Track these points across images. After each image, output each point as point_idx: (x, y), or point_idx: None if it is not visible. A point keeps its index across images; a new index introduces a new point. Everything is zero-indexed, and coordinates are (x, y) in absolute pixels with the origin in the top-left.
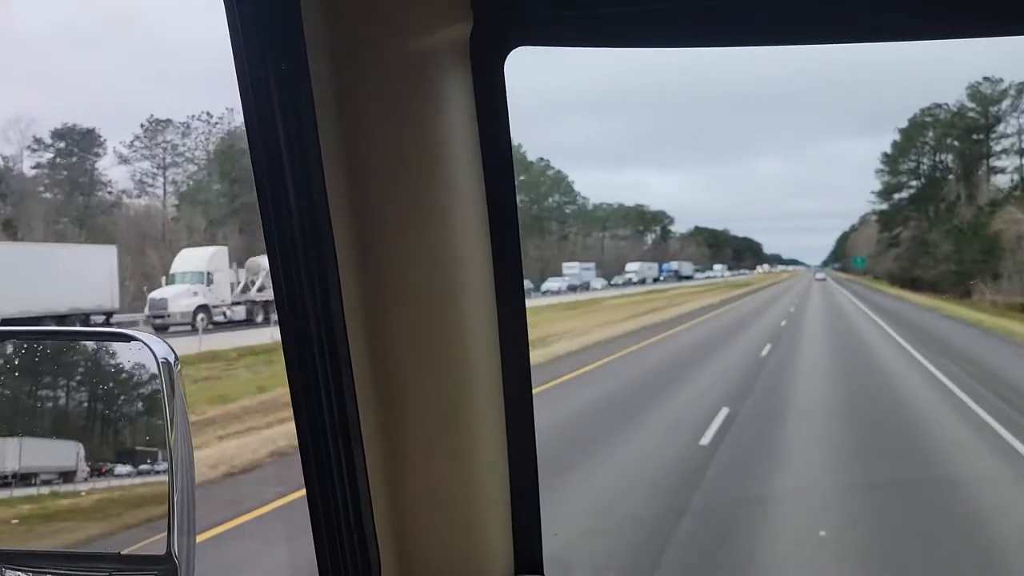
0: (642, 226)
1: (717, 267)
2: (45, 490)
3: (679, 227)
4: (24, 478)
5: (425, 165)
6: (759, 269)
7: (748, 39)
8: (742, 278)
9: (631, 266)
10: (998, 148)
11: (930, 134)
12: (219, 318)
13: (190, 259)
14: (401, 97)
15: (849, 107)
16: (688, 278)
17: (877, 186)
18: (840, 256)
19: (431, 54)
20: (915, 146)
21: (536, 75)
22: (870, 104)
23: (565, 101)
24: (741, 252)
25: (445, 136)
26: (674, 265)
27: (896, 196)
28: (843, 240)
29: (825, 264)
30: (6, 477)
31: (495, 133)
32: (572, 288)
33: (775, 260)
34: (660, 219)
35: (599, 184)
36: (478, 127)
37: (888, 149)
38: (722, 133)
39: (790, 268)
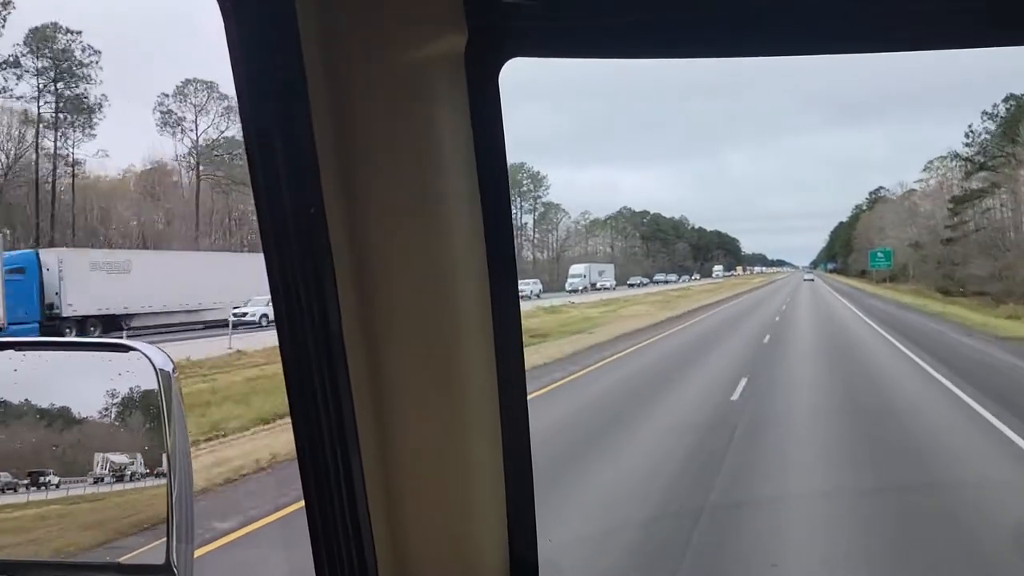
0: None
1: (579, 270)
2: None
3: (594, 208)
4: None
5: (421, 177)
6: (716, 272)
7: (744, 50)
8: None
9: None
10: None
11: None
12: None
13: None
14: (397, 110)
15: (820, 94)
16: None
17: (858, 185)
18: (838, 252)
19: (426, 67)
20: None
21: None
22: (841, 90)
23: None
24: (707, 250)
25: (441, 148)
26: None
27: None
28: (842, 231)
29: (815, 265)
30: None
31: (490, 144)
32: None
33: (757, 261)
34: (513, 174)
35: (563, 182)
36: (473, 139)
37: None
38: (694, 127)
39: (770, 269)
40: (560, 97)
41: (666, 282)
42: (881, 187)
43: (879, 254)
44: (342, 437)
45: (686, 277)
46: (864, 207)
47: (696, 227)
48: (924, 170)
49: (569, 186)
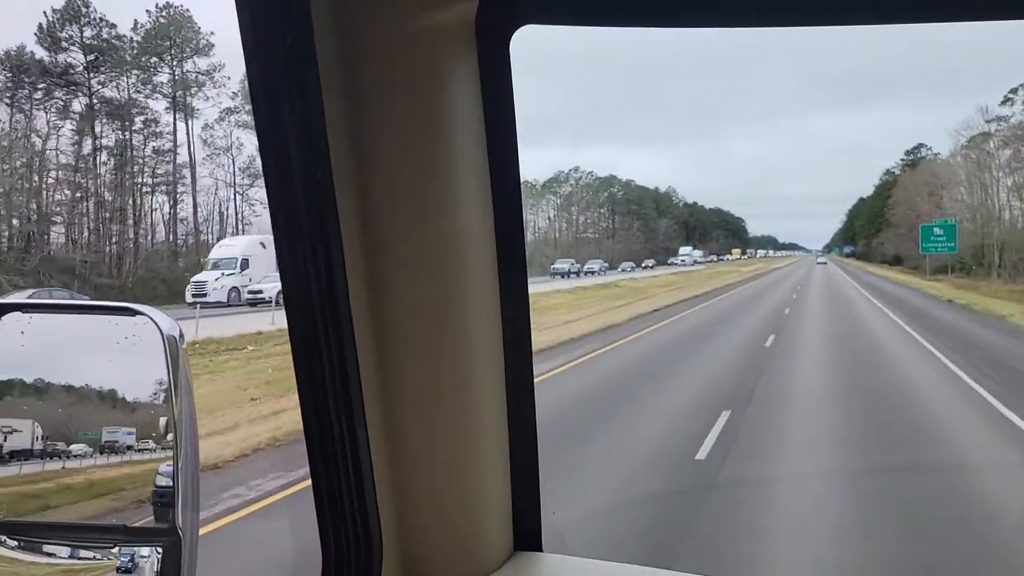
0: None
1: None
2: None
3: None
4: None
5: (430, 144)
6: (683, 257)
7: (761, 19)
8: None
9: None
10: None
11: None
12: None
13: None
14: (407, 75)
15: (823, 75)
16: None
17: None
18: (858, 233)
19: (437, 32)
20: None
21: None
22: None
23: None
24: (705, 231)
25: (451, 115)
26: None
27: None
28: (864, 206)
29: (829, 249)
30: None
31: (501, 112)
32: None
33: (767, 244)
34: None
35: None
36: (483, 106)
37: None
38: (695, 108)
39: (779, 253)
40: (551, 74)
41: (578, 274)
42: (921, 144)
43: (936, 230)
44: (348, 412)
45: (628, 266)
46: (897, 171)
47: (689, 202)
48: (1004, 103)
49: (557, 164)
